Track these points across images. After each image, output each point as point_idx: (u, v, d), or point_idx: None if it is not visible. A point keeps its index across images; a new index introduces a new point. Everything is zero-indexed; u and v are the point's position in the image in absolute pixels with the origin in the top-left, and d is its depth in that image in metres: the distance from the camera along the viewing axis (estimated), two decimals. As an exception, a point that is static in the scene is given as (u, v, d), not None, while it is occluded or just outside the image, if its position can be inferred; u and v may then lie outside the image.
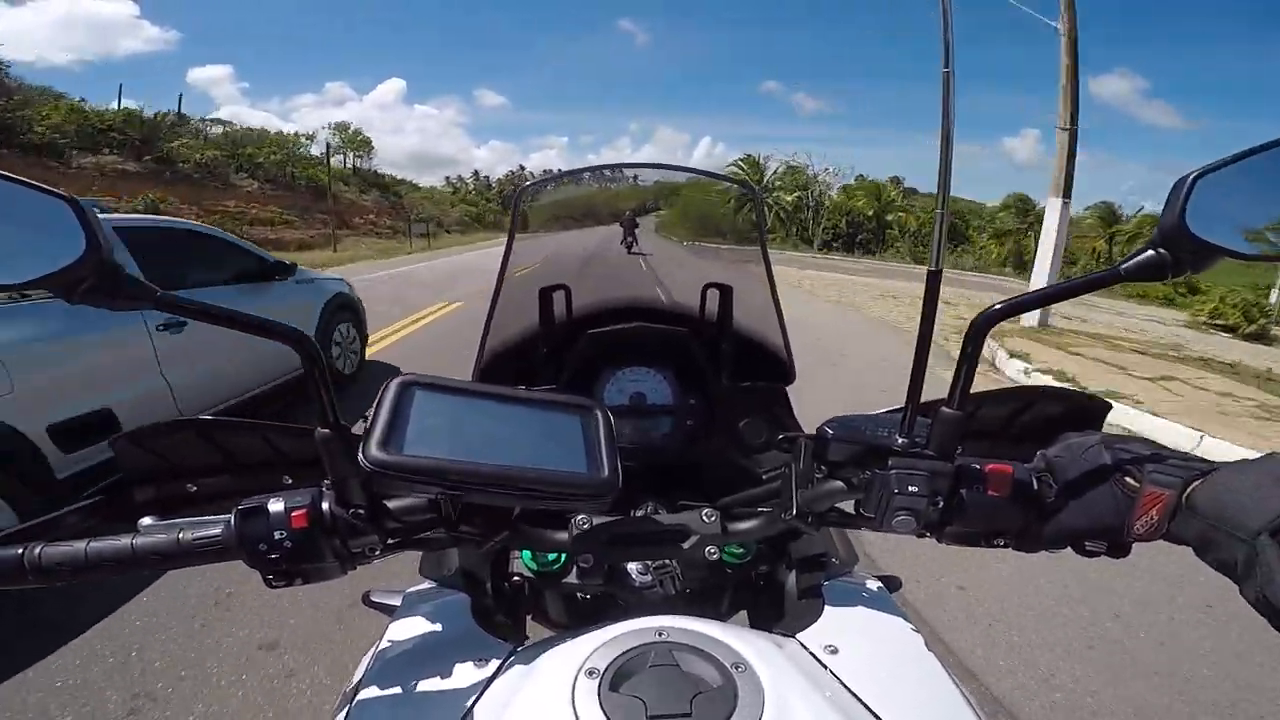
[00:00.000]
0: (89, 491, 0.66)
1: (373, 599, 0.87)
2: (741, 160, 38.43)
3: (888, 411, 0.62)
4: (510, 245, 0.91)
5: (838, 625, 0.64)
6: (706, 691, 0.48)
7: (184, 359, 3.40)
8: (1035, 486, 0.55)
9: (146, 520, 0.57)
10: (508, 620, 0.75)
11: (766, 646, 0.54)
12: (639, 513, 0.80)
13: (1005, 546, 0.57)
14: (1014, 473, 0.54)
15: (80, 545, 0.52)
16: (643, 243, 1.35)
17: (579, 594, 0.83)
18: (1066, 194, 9.35)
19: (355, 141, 38.93)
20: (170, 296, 0.46)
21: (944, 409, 0.53)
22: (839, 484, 0.59)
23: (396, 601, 0.78)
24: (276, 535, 0.52)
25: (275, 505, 0.52)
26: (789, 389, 0.93)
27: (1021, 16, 9.08)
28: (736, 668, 0.50)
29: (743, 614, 0.85)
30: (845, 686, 0.55)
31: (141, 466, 0.68)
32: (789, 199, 37.43)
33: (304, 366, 0.50)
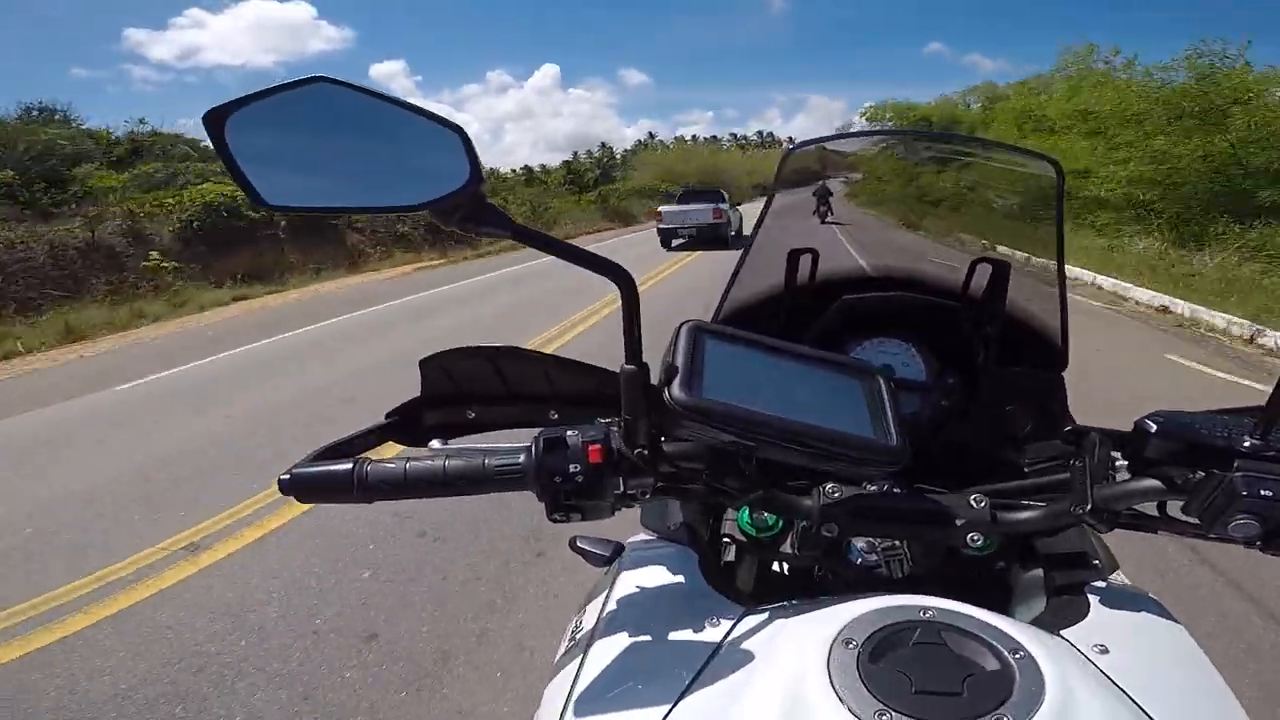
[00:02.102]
0: (389, 411, 0.71)
1: (581, 545, 0.90)
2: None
3: (1222, 411, 0.56)
4: (770, 202, 0.90)
5: (1106, 627, 0.59)
6: (979, 675, 0.45)
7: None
8: None
9: (435, 443, 0.61)
10: (732, 581, 0.75)
11: (1041, 636, 0.50)
12: (872, 489, 0.78)
13: None
14: None
15: (400, 464, 0.56)
16: (849, 215, 1.30)
17: (776, 565, 0.82)
18: None
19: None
20: (523, 228, 0.49)
21: None
22: (1154, 483, 0.54)
23: (603, 550, 0.79)
24: (571, 468, 0.53)
25: (573, 438, 0.53)
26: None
27: None
28: (1015, 654, 0.46)
29: None
30: (1119, 688, 0.51)
31: (438, 389, 0.73)
32: None
33: (623, 301, 0.51)
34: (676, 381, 0.51)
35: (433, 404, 0.73)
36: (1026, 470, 0.77)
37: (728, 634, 0.57)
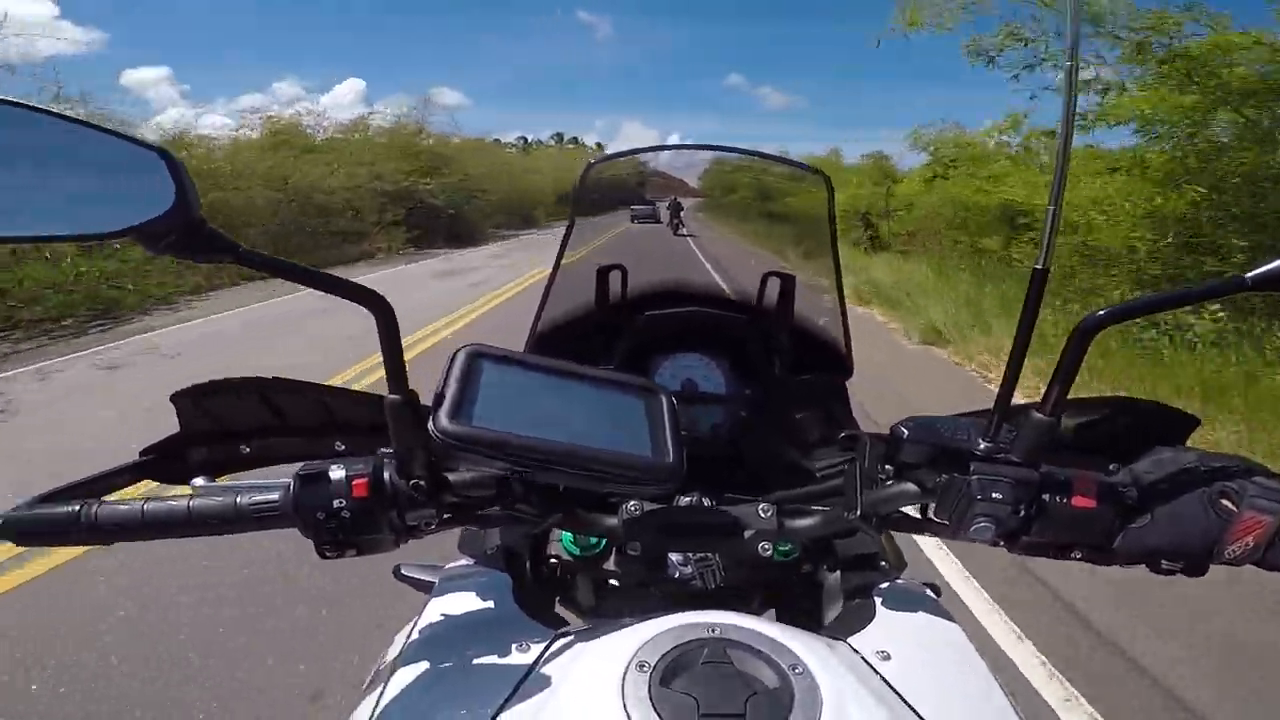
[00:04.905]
0: (144, 449, 0.65)
1: (405, 573, 0.86)
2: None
3: (963, 415, 0.60)
4: (573, 222, 0.90)
5: (890, 630, 0.62)
6: (761, 692, 0.46)
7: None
8: (1121, 501, 0.53)
9: (199, 481, 0.57)
10: (545, 604, 0.74)
11: (822, 649, 0.52)
12: (684, 502, 0.79)
13: (1080, 559, 0.55)
14: (1100, 485, 0.52)
15: (137, 505, 0.52)
16: (693, 227, 1.35)
17: (610, 581, 0.82)
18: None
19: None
20: (251, 252, 0.45)
21: (1035, 414, 0.50)
22: (911, 487, 0.57)
23: (428, 577, 0.77)
24: (335, 504, 0.51)
25: (336, 472, 0.51)
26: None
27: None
28: (794, 669, 0.48)
29: (771, 612, 0.83)
30: (898, 694, 0.53)
31: (198, 425, 0.67)
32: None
33: (379, 329, 0.48)
34: (443, 410, 0.49)
35: (197, 440, 0.67)
36: (819, 476, 0.81)
37: (535, 660, 0.56)
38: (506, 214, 29.50)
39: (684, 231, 1.39)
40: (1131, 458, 0.57)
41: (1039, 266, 0.48)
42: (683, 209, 1.45)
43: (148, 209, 0.41)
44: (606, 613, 0.80)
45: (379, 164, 19.31)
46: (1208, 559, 0.51)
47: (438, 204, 21.18)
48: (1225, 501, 0.50)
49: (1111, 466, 0.57)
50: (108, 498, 0.54)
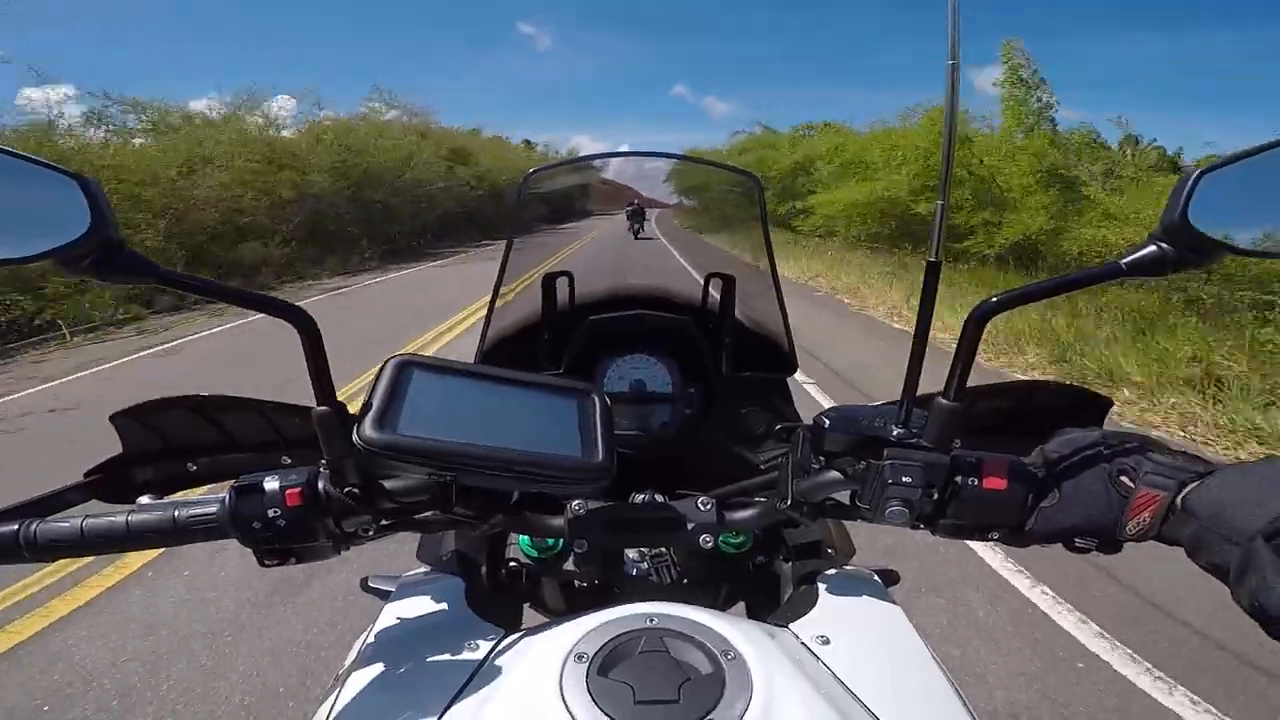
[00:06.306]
0: (89, 469, 0.66)
1: (371, 584, 0.87)
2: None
3: (887, 403, 0.62)
4: (515, 230, 0.91)
5: (831, 616, 0.63)
6: (695, 679, 0.48)
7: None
8: (1031, 481, 0.54)
9: (144, 499, 0.58)
10: (503, 606, 0.75)
11: (758, 635, 0.54)
12: (638, 499, 0.81)
13: (998, 541, 0.57)
14: (1010, 466, 0.54)
15: (76, 522, 0.53)
16: (655, 229, 1.38)
17: (576, 581, 0.83)
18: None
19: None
20: (171, 273, 0.46)
21: (940, 400, 0.52)
22: (835, 474, 0.58)
23: (389, 586, 0.78)
24: (270, 513, 0.52)
25: (270, 483, 0.52)
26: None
27: None
28: (726, 655, 0.49)
29: (741, 605, 0.85)
30: (836, 677, 0.55)
31: (142, 444, 0.68)
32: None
33: (302, 342, 0.50)
34: (368, 419, 0.50)
35: (140, 460, 0.68)
36: (762, 468, 0.83)
37: (484, 658, 0.57)
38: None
39: (645, 235, 1.43)
40: (1047, 440, 0.59)
41: (931, 259, 0.50)
42: (644, 214, 1.49)
43: (66, 233, 0.42)
44: (575, 612, 0.82)
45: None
46: (1114, 538, 0.53)
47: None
48: (1124, 479, 0.51)
49: (1038, 448, 0.59)
50: (52, 517, 0.55)
